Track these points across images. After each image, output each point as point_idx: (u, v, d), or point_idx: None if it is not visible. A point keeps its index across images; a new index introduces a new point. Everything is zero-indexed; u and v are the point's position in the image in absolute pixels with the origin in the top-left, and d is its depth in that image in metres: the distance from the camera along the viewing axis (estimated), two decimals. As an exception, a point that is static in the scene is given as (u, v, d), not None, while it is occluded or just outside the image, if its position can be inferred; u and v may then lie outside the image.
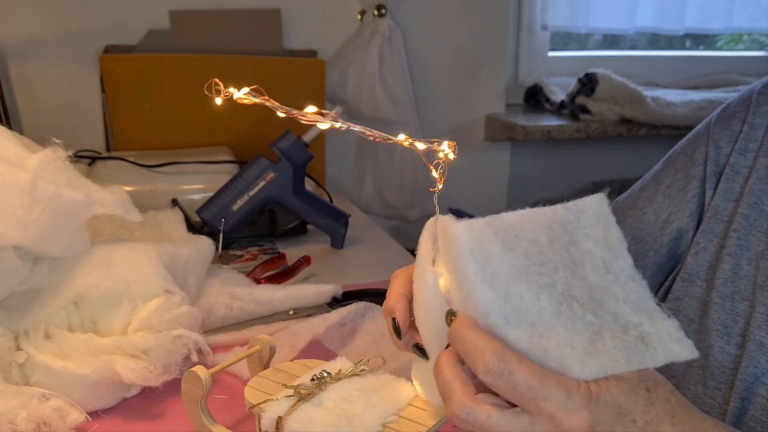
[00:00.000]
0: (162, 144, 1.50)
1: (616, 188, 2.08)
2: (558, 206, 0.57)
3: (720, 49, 2.34)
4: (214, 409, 0.68)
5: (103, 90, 1.52)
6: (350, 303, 0.94)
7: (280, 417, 0.60)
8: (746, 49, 2.38)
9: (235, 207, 1.16)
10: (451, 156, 0.59)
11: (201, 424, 0.66)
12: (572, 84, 1.92)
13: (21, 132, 1.23)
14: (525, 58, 2.03)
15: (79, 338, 0.76)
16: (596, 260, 0.55)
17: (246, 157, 1.37)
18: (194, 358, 0.78)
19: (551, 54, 2.07)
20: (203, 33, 1.57)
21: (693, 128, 0.88)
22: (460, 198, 1.85)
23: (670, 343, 0.53)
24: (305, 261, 1.10)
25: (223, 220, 1.16)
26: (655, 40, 2.26)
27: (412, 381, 0.64)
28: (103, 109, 1.56)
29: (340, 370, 0.65)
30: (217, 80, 0.54)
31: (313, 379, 0.64)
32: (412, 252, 0.63)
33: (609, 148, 2.06)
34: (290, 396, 0.62)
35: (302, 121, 0.56)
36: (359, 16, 1.72)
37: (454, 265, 0.53)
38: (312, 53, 1.67)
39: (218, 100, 0.54)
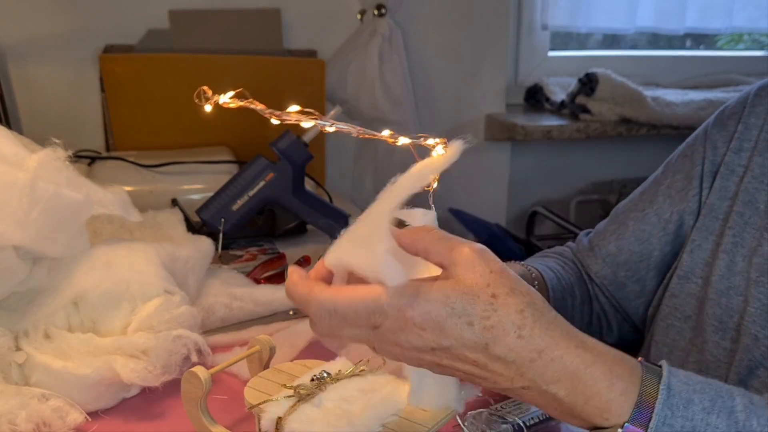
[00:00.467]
0: (162, 144, 1.50)
1: (616, 188, 2.08)
2: None
3: (720, 49, 2.34)
4: (214, 409, 0.68)
5: (102, 90, 1.52)
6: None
7: (279, 417, 0.60)
8: (746, 49, 2.38)
9: (235, 207, 1.16)
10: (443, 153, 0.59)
11: (201, 424, 0.66)
12: (572, 84, 1.92)
13: (21, 132, 1.23)
14: (525, 58, 2.03)
15: (79, 338, 0.76)
16: None
17: (246, 157, 1.36)
18: (194, 358, 0.78)
19: (551, 54, 2.07)
20: (203, 33, 1.57)
21: (693, 128, 0.90)
22: (460, 198, 1.85)
23: None
24: (305, 261, 1.10)
25: (222, 220, 1.16)
26: (655, 39, 2.26)
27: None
28: (103, 109, 1.56)
29: (339, 371, 0.65)
30: (205, 87, 0.54)
31: (312, 380, 0.64)
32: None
33: (609, 148, 2.06)
34: (290, 396, 0.62)
35: (286, 122, 0.56)
36: (359, 16, 1.72)
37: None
38: (312, 53, 1.67)
39: (207, 108, 0.54)
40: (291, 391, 0.62)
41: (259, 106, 0.55)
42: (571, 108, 1.90)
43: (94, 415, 0.73)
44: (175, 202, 1.29)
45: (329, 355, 0.79)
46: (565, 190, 2.10)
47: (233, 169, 1.36)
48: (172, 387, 0.74)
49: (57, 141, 0.79)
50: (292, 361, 0.71)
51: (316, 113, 0.57)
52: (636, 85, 1.88)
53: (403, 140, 0.57)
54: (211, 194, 1.18)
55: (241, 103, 0.54)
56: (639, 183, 0.92)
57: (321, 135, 1.26)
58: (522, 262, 0.88)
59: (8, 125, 1.41)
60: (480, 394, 0.68)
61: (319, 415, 0.59)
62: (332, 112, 1.20)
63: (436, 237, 0.54)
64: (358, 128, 0.56)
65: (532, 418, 0.68)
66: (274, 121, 0.56)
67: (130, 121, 1.52)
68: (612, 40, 2.22)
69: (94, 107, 1.57)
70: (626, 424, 0.51)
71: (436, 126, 1.85)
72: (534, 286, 0.74)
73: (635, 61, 2.17)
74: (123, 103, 1.51)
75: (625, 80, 1.88)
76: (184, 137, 1.50)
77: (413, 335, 0.51)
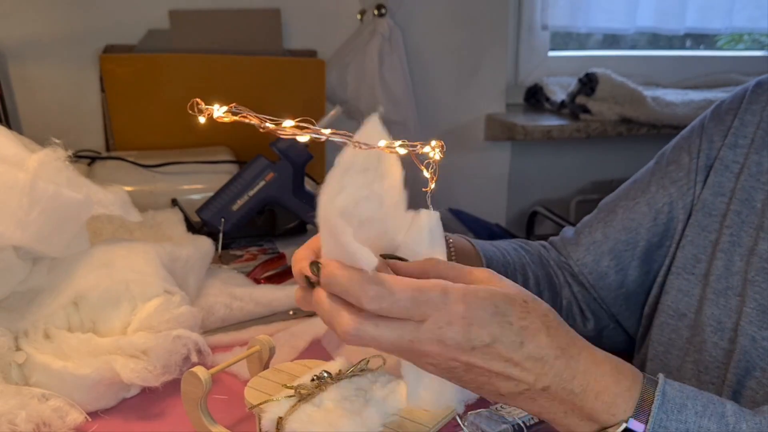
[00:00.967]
0: (162, 144, 1.50)
1: (616, 188, 2.07)
2: None
3: (720, 49, 2.34)
4: (214, 409, 0.68)
5: (102, 90, 1.52)
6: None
7: (280, 417, 0.60)
8: (746, 49, 2.37)
9: (235, 207, 1.16)
10: (438, 156, 0.59)
11: (201, 424, 0.66)
12: (572, 84, 1.92)
13: (21, 132, 1.23)
14: (525, 58, 2.03)
15: (79, 338, 0.76)
16: None
17: (246, 157, 1.36)
18: (194, 358, 0.78)
19: (551, 54, 2.07)
20: (203, 33, 1.57)
21: (693, 128, 0.89)
22: (460, 198, 1.85)
23: None
24: (305, 261, 1.10)
25: (222, 220, 1.16)
26: (655, 39, 2.26)
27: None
28: (103, 109, 1.56)
29: (340, 371, 0.65)
30: (198, 100, 0.54)
31: (313, 380, 0.64)
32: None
33: (609, 148, 2.06)
34: (290, 396, 0.62)
35: (281, 135, 0.56)
36: (359, 16, 1.72)
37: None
38: (312, 53, 1.67)
39: (201, 119, 0.54)
40: (291, 391, 0.62)
41: (253, 120, 0.55)
42: (571, 108, 1.90)
43: (94, 415, 0.73)
44: (175, 202, 1.29)
45: (329, 355, 0.79)
46: (565, 190, 2.10)
47: (233, 169, 1.36)
48: (172, 387, 0.74)
49: (57, 141, 0.79)
50: (292, 361, 0.71)
51: (312, 125, 0.57)
52: (636, 85, 1.88)
53: (401, 150, 0.57)
54: (211, 194, 1.18)
55: (235, 118, 0.54)
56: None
57: (321, 135, 1.26)
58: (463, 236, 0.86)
59: (8, 125, 1.41)
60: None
61: (319, 415, 0.59)
62: (332, 113, 1.20)
63: (449, 265, 0.57)
64: (355, 140, 0.56)
65: (532, 418, 0.68)
66: (269, 125, 0.55)
67: (130, 121, 1.52)
68: (612, 40, 2.22)
69: (94, 107, 1.57)
70: (630, 418, 0.53)
71: (436, 126, 1.85)
72: (450, 254, 0.76)
73: (635, 61, 2.17)
74: (123, 103, 1.51)
75: (625, 80, 1.88)
76: (184, 137, 1.50)
77: (460, 329, 0.52)
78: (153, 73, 1.50)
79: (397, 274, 0.55)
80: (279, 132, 0.56)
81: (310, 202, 1.21)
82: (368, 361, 0.66)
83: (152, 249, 0.86)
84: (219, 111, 0.54)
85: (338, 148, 0.59)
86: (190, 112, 0.54)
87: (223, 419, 0.68)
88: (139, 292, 0.80)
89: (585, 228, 0.91)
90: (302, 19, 1.66)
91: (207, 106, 0.55)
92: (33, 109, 1.54)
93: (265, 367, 0.73)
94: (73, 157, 0.81)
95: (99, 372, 0.72)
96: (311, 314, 0.95)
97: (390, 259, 0.57)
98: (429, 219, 0.60)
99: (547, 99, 1.97)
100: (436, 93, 1.86)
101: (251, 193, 1.17)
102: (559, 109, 1.94)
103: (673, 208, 0.83)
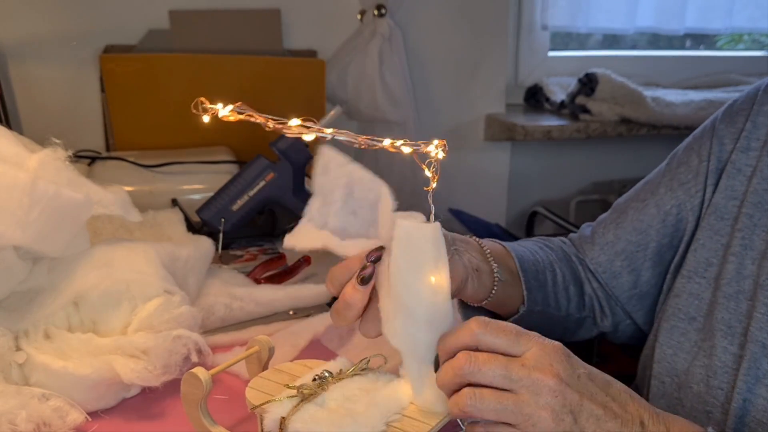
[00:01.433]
0: (162, 144, 1.50)
1: (616, 188, 2.08)
2: None
3: (720, 49, 2.34)
4: (214, 409, 0.68)
5: (102, 90, 1.52)
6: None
7: (283, 417, 0.60)
8: (746, 49, 2.37)
9: (235, 207, 1.16)
10: (440, 155, 0.59)
11: (201, 425, 0.66)
12: (572, 84, 1.92)
13: (21, 132, 1.23)
14: (525, 58, 2.03)
15: (79, 338, 0.76)
16: None
17: (246, 157, 1.36)
18: (194, 358, 0.78)
19: (551, 54, 2.07)
20: (203, 33, 1.57)
21: (693, 128, 0.88)
22: (460, 198, 1.85)
23: None
24: (305, 261, 1.10)
25: (222, 220, 1.16)
26: (655, 40, 2.26)
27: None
28: (103, 109, 1.56)
29: (341, 370, 0.65)
30: (203, 99, 0.54)
31: (314, 379, 0.64)
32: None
33: (609, 148, 2.06)
34: (293, 396, 0.62)
35: (287, 134, 0.56)
36: (359, 16, 1.72)
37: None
38: (312, 53, 1.67)
39: (206, 119, 0.54)
40: (293, 391, 0.62)
41: (258, 119, 0.55)
42: (571, 108, 1.90)
43: (94, 414, 0.73)
44: (175, 202, 1.29)
45: (329, 355, 0.79)
46: (565, 190, 2.10)
47: (233, 169, 1.36)
48: (172, 387, 0.74)
49: (57, 141, 0.79)
50: (292, 360, 0.71)
51: (316, 124, 0.57)
52: (636, 85, 1.88)
53: (405, 149, 0.57)
54: (211, 194, 1.18)
55: (241, 117, 0.54)
56: (639, 183, 0.92)
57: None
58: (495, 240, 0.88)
59: (8, 125, 1.41)
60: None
61: (323, 415, 0.59)
62: (332, 113, 1.20)
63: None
64: (360, 138, 0.57)
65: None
66: (273, 121, 0.56)
67: (130, 121, 1.52)
68: (612, 41, 2.22)
69: (94, 107, 1.57)
70: None
71: (436, 126, 1.85)
72: (484, 249, 0.79)
73: (635, 61, 2.17)
74: (123, 103, 1.51)
75: (625, 80, 1.88)
76: (184, 137, 1.50)
77: (558, 359, 0.57)
78: (153, 73, 1.50)
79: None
80: (284, 130, 0.56)
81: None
82: (369, 360, 0.66)
83: (152, 249, 0.86)
84: (224, 110, 0.55)
85: (338, 148, 0.59)
86: (194, 111, 0.54)
87: (223, 419, 0.68)
88: (139, 292, 0.79)
89: (599, 227, 0.91)
90: (302, 19, 1.66)
91: (211, 106, 0.55)
92: (33, 109, 1.54)
93: (264, 367, 0.73)
94: (73, 157, 0.81)
95: (99, 372, 0.72)
96: (311, 314, 0.95)
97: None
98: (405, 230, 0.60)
99: (547, 99, 1.97)
100: (436, 93, 1.86)
101: (251, 193, 1.17)
102: (559, 109, 1.94)
103: (682, 210, 0.83)
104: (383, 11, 1.68)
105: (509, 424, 0.56)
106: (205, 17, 1.57)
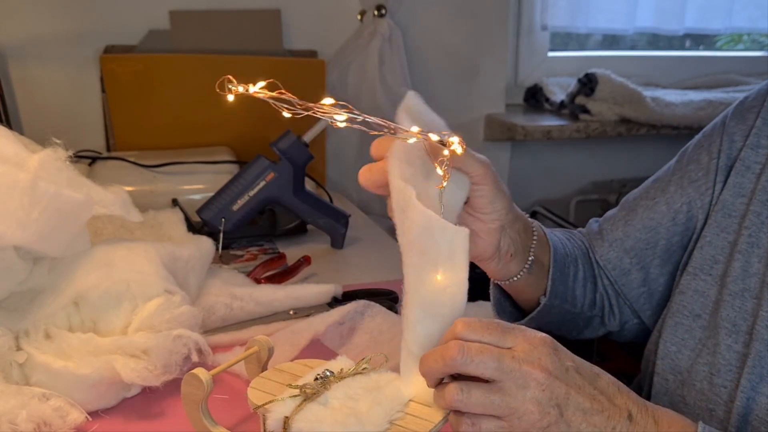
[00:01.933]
0: (162, 144, 1.50)
1: (616, 188, 2.08)
2: None
3: (720, 49, 2.34)
4: (214, 409, 0.68)
5: (103, 90, 1.52)
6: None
7: (286, 417, 0.60)
8: (746, 49, 2.38)
9: (235, 207, 1.16)
10: (459, 150, 0.60)
11: (202, 426, 0.66)
12: (572, 84, 1.92)
13: (21, 132, 1.23)
14: (525, 58, 2.03)
15: (79, 338, 0.76)
16: None
17: (246, 157, 1.36)
18: (194, 358, 0.78)
19: (551, 54, 2.07)
20: (203, 33, 1.57)
21: (692, 128, 0.88)
22: (460, 198, 1.85)
23: None
24: (305, 261, 1.10)
25: (223, 220, 1.16)
26: (655, 40, 2.26)
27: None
28: (103, 109, 1.56)
29: (342, 369, 0.65)
30: (230, 77, 0.54)
31: (316, 379, 0.64)
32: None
33: (609, 148, 2.06)
34: (295, 396, 0.62)
35: (319, 115, 0.56)
36: (359, 16, 1.72)
37: None
38: (312, 53, 1.67)
39: (230, 97, 0.54)
40: (296, 391, 0.62)
41: (290, 97, 0.55)
42: (571, 108, 1.90)
43: (94, 414, 0.73)
44: (175, 202, 1.29)
45: (329, 354, 0.79)
46: (565, 189, 2.10)
47: (234, 169, 1.36)
48: (173, 387, 0.74)
49: (57, 141, 0.79)
50: (292, 360, 0.71)
51: (350, 106, 0.57)
52: (635, 86, 1.88)
53: (433, 137, 0.58)
54: (211, 194, 1.18)
55: (272, 94, 0.54)
56: (639, 183, 0.92)
57: (321, 135, 1.26)
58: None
59: (8, 125, 1.41)
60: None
61: (326, 414, 0.59)
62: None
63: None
64: (389, 122, 0.58)
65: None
66: (287, 116, 0.55)
67: (130, 121, 1.52)
68: (612, 41, 2.22)
69: (94, 107, 1.57)
70: None
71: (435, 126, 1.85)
72: (533, 241, 0.79)
73: (635, 61, 2.17)
74: (123, 104, 1.51)
75: (625, 80, 1.88)
76: (184, 137, 1.50)
77: (546, 352, 0.58)
78: (153, 73, 1.50)
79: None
80: (317, 110, 0.56)
81: (310, 202, 1.21)
82: (369, 359, 0.66)
83: (153, 249, 0.86)
84: (255, 87, 0.54)
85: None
86: (219, 91, 0.54)
87: (223, 419, 0.68)
88: (139, 292, 0.80)
89: (607, 224, 0.90)
90: (302, 19, 1.66)
91: (241, 85, 0.54)
92: (33, 109, 1.54)
93: (264, 367, 0.73)
94: (73, 157, 0.81)
95: (99, 372, 0.72)
96: (311, 314, 0.95)
97: None
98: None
99: (547, 99, 1.97)
100: (436, 93, 1.85)
101: (252, 193, 1.17)
102: (558, 109, 1.94)
103: (692, 208, 0.83)
104: (383, 11, 1.68)
105: (495, 416, 0.56)
106: (205, 18, 1.57)
